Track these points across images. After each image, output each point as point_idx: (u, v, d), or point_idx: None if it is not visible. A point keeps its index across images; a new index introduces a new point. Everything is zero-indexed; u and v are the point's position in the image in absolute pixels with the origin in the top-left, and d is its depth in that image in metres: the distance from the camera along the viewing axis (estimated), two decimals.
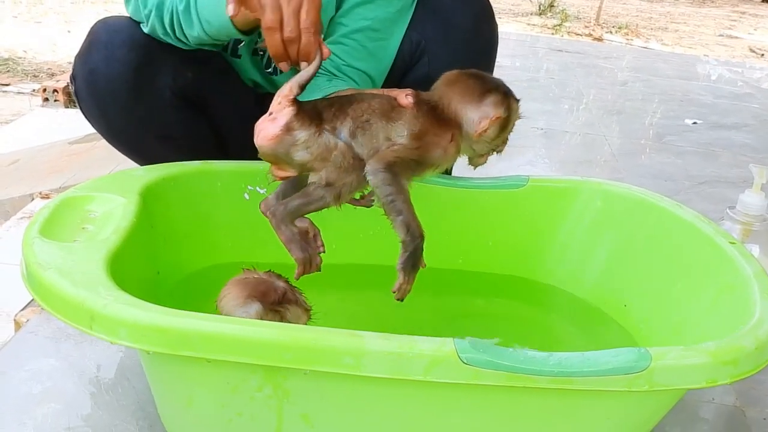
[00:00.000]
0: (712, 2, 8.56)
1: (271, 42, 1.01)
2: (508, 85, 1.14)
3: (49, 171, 2.04)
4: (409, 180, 1.05)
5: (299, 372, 0.88)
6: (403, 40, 1.39)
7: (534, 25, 5.83)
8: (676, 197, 2.10)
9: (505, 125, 1.10)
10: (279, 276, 1.06)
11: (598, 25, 5.98)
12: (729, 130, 3.05)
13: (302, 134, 1.01)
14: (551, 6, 6.39)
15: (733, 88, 3.87)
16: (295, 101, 1.01)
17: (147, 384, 1.08)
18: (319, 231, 1.13)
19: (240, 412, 0.94)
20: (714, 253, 1.17)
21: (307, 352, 0.86)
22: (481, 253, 1.40)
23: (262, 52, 1.41)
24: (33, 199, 1.93)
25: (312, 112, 1.02)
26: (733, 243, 1.17)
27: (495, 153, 1.16)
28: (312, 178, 1.04)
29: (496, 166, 2.29)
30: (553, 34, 5.46)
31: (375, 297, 1.34)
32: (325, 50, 1.03)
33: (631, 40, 5.54)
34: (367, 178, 1.04)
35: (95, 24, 1.33)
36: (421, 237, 1.03)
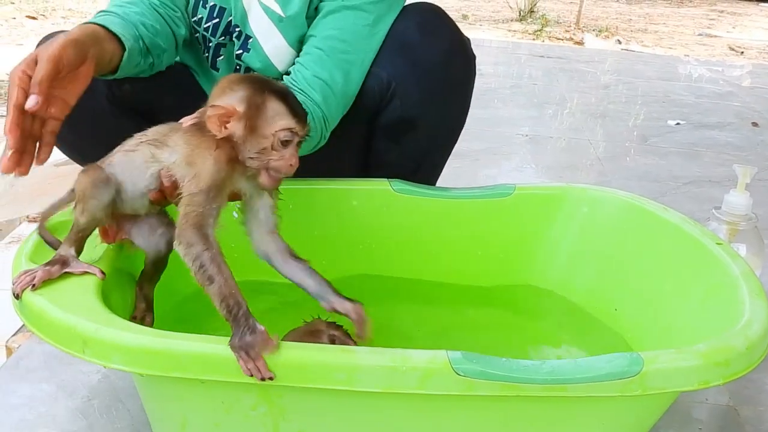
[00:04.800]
0: (690, 2, 8.62)
1: None
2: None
3: (35, 194, 2.03)
4: (216, 220, 0.94)
5: (294, 389, 0.88)
6: (372, 77, 1.34)
7: (515, 31, 5.85)
8: (662, 198, 2.13)
9: (251, 125, 0.95)
10: (330, 324, 1.07)
11: (579, 29, 6.02)
12: (712, 130, 3.07)
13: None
14: (531, 11, 6.42)
15: (715, 87, 3.90)
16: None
17: (141, 406, 1.08)
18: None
19: (235, 431, 0.94)
20: (701, 254, 1.18)
21: (299, 369, 0.86)
22: (471, 263, 1.40)
23: (238, 66, 1.41)
24: (20, 223, 1.92)
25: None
26: (720, 244, 1.18)
27: (265, 186, 1.00)
28: None
29: (482, 173, 2.33)
30: (534, 39, 5.48)
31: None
32: None
33: (612, 42, 5.58)
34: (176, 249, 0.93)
35: (40, 40, 1.34)
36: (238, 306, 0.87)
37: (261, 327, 0.86)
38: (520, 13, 6.38)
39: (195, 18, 1.37)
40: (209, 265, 0.89)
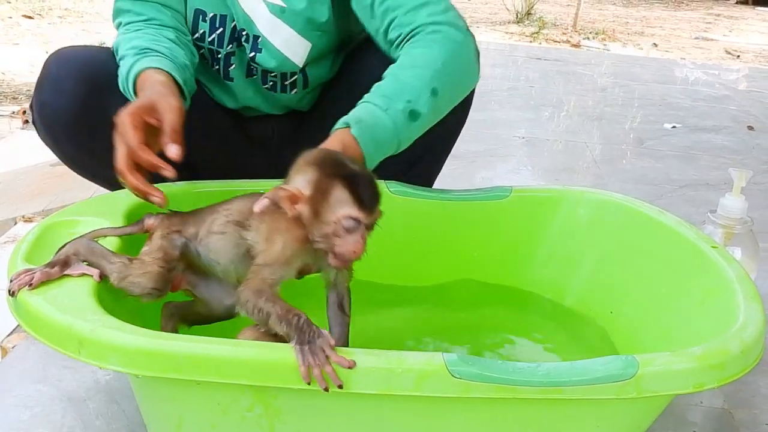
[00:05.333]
0: (687, 5, 8.64)
1: None
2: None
3: (31, 194, 2.03)
4: (278, 285, 0.96)
5: (289, 390, 0.88)
6: (369, 71, 1.29)
7: (512, 33, 5.86)
8: (658, 201, 2.13)
9: (315, 210, 0.93)
10: None
11: (576, 31, 6.03)
12: (708, 133, 3.08)
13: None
14: (528, 14, 6.43)
15: (711, 91, 3.91)
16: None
17: (137, 407, 1.08)
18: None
19: None
20: (697, 257, 1.18)
21: (295, 371, 0.86)
22: (467, 264, 1.40)
23: (254, 70, 1.40)
24: (16, 223, 1.91)
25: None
26: (715, 247, 1.18)
27: (335, 267, 0.99)
28: None
29: (479, 175, 2.33)
30: (531, 42, 5.49)
31: (359, 314, 1.33)
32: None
33: (608, 45, 5.59)
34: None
35: (49, 56, 1.33)
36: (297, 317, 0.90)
37: (326, 331, 0.88)
38: (517, 15, 6.39)
39: (197, 35, 1.36)
40: (264, 306, 0.91)
